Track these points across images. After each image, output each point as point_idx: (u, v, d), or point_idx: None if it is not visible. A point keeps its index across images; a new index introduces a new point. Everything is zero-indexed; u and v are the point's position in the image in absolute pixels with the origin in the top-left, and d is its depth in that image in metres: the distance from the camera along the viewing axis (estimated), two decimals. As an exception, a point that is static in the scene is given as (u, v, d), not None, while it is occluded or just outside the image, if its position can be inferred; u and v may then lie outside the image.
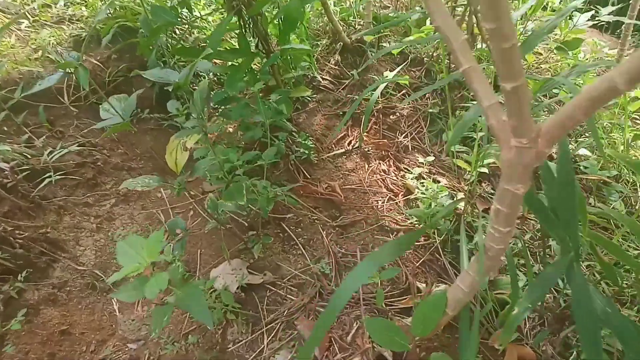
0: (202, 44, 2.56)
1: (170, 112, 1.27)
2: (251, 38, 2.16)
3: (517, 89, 0.74)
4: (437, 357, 1.32)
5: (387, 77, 2.71)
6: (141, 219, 2.07)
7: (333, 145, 2.44)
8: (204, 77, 2.54)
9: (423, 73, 2.94)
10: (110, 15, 2.19)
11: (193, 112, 1.22)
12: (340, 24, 2.89)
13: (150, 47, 2.14)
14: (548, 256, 1.85)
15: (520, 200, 0.98)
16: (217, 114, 2.38)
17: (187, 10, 2.21)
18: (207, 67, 1.87)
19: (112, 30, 2.33)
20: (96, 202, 2.05)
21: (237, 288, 1.62)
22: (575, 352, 1.55)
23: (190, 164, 2.18)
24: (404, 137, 2.59)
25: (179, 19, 1.97)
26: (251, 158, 1.76)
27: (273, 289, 1.65)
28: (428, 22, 3.07)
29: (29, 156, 1.98)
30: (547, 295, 1.76)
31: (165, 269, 1.36)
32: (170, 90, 2.37)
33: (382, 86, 2.33)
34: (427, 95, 2.85)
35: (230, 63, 2.16)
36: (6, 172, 1.78)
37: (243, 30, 2.06)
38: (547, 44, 3.42)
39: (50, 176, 1.88)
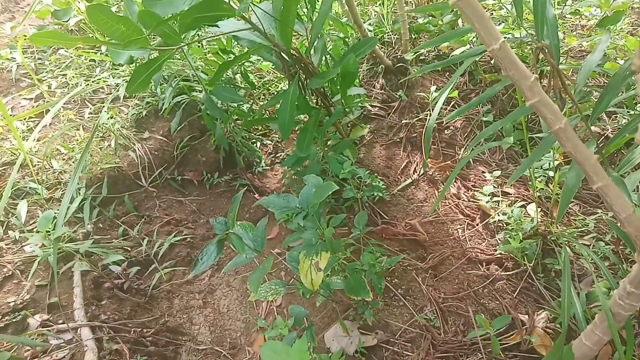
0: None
1: (274, 212, 1.34)
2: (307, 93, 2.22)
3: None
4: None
5: (434, 93, 2.73)
6: (238, 284, 2.20)
7: (399, 177, 2.49)
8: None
9: (467, 78, 2.94)
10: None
11: (306, 223, 1.29)
12: (378, 46, 2.90)
13: (214, 121, 2.23)
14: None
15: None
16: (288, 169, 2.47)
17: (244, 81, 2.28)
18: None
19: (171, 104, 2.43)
20: (196, 278, 2.18)
21: (355, 352, 1.73)
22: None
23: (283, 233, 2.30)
24: (463, 152, 2.62)
25: (241, 95, 2.04)
26: (340, 222, 1.85)
27: (388, 347, 1.75)
28: (460, 22, 3.05)
29: (129, 249, 2.11)
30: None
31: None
32: (235, 153, 2.46)
33: (437, 109, 2.35)
34: (476, 101, 2.85)
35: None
36: (119, 274, 1.92)
37: (302, 91, 2.11)
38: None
39: (157, 268, 2.02)
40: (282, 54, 1.97)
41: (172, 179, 2.48)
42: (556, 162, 2.29)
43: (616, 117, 2.67)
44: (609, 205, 0.93)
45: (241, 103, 2.18)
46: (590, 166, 0.91)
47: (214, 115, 2.17)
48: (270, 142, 2.79)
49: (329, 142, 2.46)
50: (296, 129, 2.40)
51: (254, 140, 2.72)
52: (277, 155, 2.72)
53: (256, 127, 2.83)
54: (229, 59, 1.86)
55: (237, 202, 1.20)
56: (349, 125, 2.59)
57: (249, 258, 1.24)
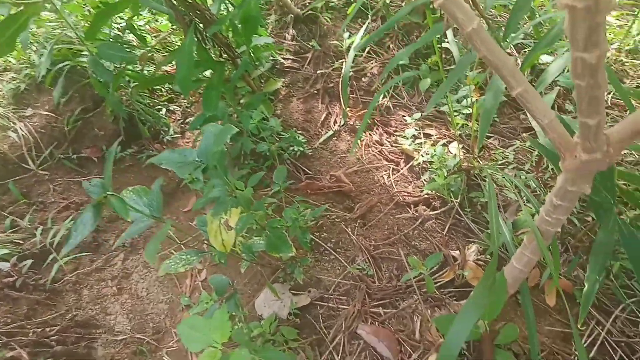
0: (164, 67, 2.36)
1: (182, 177, 1.17)
2: (210, 46, 2.00)
3: (599, 124, 0.72)
4: (508, 328, 1.38)
5: (347, 41, 2.61)
6: (156, 264, 2.00)
7: (320, 130, 2.37)
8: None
9: (380, 23, 2.84)
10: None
11: (214, 180, 1.13)
12: (284, -6, 2.71)
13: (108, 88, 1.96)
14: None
15: (579, 194, 0.99)
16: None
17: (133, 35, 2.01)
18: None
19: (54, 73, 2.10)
20: (106, 263, 1.95)
21: (289, 314, 1.62)
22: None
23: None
24: (382, 98, 2.54)
25: (129, 51, 1.79)
26: (258, 181, 1.70)
27: (323, 303, 1.66)
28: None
29: (20, 241, 1.83)
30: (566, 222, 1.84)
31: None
32: (138, 123, 2.21)
33: (351, 56, 2.23)
34: (391, 46, 2.77)
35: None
36: (9, 271, 1.65)
37: (202, 42, 1.90)
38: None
39: (56, 259, 1.76)
40: (172, 0, 1.74)
41: (67, 158, 2.18)
42: (473, 99, 2.27)
43: (525, 51, 2.70)
44: (531, 112, 0.85)
45: (133, 63, 1.91)
46: (508, 71, 0.82)
47: (105, 80, 1.90)
48: (178, 108, 2.55)
49: (242, 100, 2.27)
50: (203, 87, 2.18)
51: (159, 107, 2.46)
52: (186, 120, 2.48)
53: (160, 92, 2.56)
54: (108, 9, 1.60)
55: (111, 156, 1.01)
56: (262, 79, 2.40)
57: (143, 225, 1.07)
